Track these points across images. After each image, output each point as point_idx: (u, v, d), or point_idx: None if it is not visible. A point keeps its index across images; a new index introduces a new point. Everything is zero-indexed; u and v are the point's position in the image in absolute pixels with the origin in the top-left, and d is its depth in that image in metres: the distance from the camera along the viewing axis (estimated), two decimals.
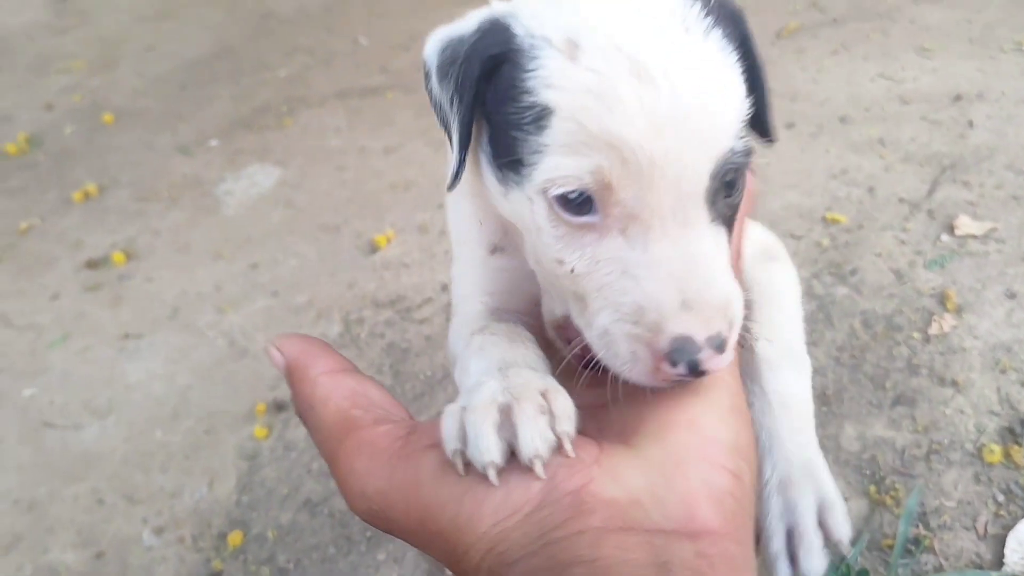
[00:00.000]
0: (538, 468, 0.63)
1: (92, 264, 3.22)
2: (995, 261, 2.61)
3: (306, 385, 0.77)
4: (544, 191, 0.70)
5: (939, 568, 1.91)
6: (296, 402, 0.78)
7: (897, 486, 2.08)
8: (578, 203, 0.70)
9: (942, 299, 2.52)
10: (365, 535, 2.16)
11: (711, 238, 0.72)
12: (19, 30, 5.13)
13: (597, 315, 0.71)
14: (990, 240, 2.69)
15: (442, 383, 2.49)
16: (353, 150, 3.62)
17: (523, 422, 0.64)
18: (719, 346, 0.68)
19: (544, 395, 0.67)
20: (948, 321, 2.45)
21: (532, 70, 0.70)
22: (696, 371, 0.67)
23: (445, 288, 2.81)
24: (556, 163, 0.68)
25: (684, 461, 0.66)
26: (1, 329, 3.00)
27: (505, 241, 0.90)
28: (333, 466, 0.74)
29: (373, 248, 3.03)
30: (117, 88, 4.38)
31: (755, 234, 1.00)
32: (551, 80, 0.68)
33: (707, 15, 0.72)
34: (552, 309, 0.84)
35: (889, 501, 2.04)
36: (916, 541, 1.96)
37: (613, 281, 0.70)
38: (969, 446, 2.14)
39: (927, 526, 1.99)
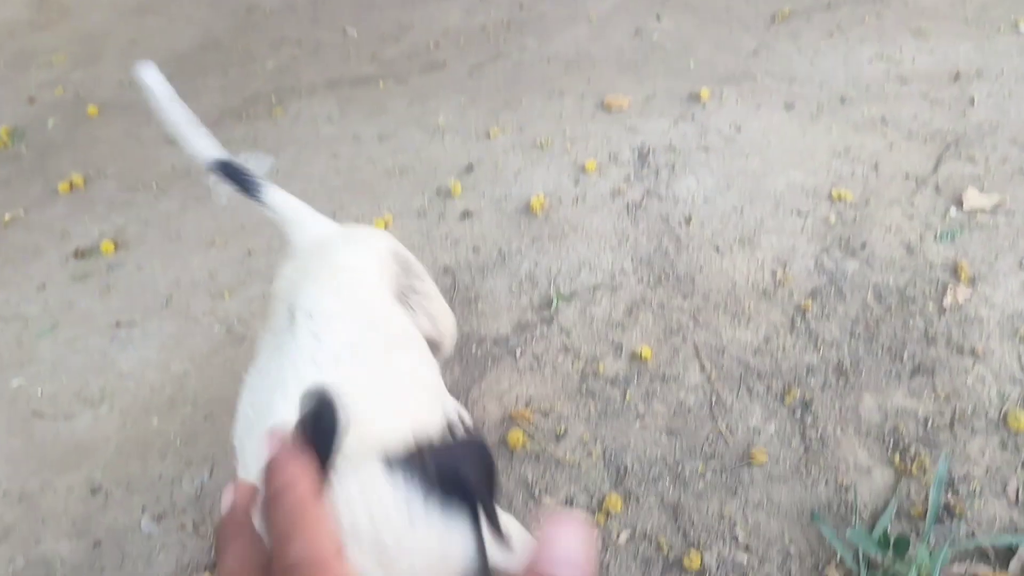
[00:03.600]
0: None
1: (80, 254, 3.13)
2: (1005, 233, 2.59)
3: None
4: None
5: (971, 535, 1.86)
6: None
7: (922, 455, 2.03)
8: None
9: (955, 271, 2.49)
10: None
11: None
12: None
13: None
14: (999, 213, 2.66)
15: (448, 366, 2.42)
16: (346, 138, 3.55)
17: None
18: None
19: None
20: (962, 292, 2.42)
21: None
22: None
23: (447, 270, 2.74)
24: None
25: None
26: None
27: None
28: None
29: None
30: (101, 82, 4.28)
31: None
32: None
33: None
34: None
35: (915, 470, 2.00)
36: (947, 508, 1.91)
37: None
38: (993, 414, 2.10)
39: (956, 493, 1.94)
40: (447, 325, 1.91)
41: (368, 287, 1.52)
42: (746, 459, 2.09)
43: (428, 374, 1.52)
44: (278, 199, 1.79)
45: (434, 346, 1.77)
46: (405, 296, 1.67)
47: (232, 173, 1.72)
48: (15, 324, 2.87)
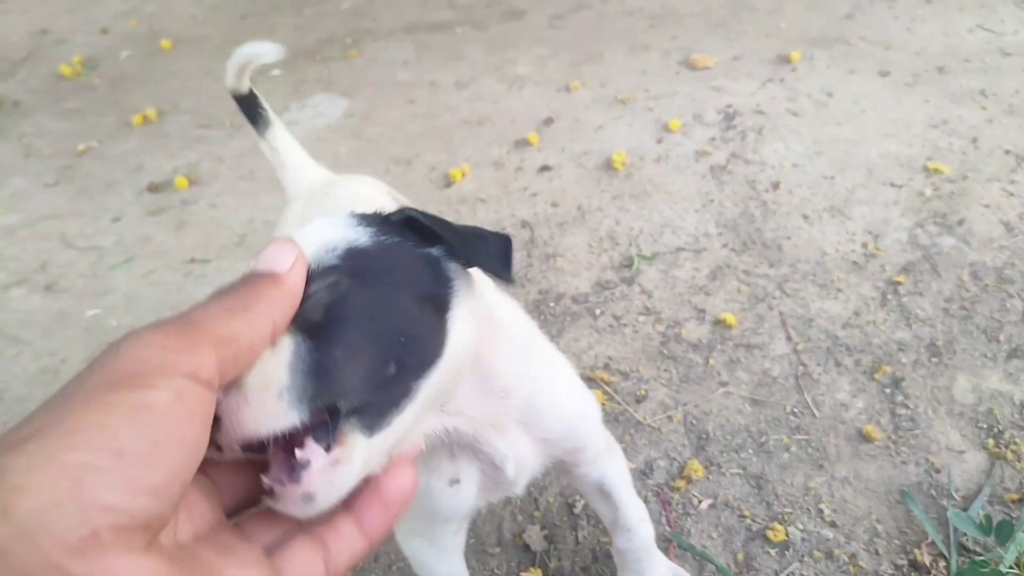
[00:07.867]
0: None
1: (154, 188, 3.12)
2: None
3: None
4: None
5: None
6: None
7: (1017, 440, 1.96)
8: None
9: None
10: None
11: None
12: None
13: None
14: None
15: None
16: (423, 84, 3.50)
17: None
18: None
19: None
20: None
21: None
22: None
23: (524, 224, 2.69)
24: None
25: None
26: (62, 250, 2.91)
27: None
28: None
29: (448, 182, 2.91)
30: (174, 15, 4.26)
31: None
32: None
33: None
34: None
35: (1010, 455, 1.93)
36: None
37: None
38: None
39: None
40: None
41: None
42: (858, 435, 2.03)
43: None
44: (282, 142, 1.80)
45: None
46: None
47: (247, 104, 1.75)
48: (90, 255, 2.87)
